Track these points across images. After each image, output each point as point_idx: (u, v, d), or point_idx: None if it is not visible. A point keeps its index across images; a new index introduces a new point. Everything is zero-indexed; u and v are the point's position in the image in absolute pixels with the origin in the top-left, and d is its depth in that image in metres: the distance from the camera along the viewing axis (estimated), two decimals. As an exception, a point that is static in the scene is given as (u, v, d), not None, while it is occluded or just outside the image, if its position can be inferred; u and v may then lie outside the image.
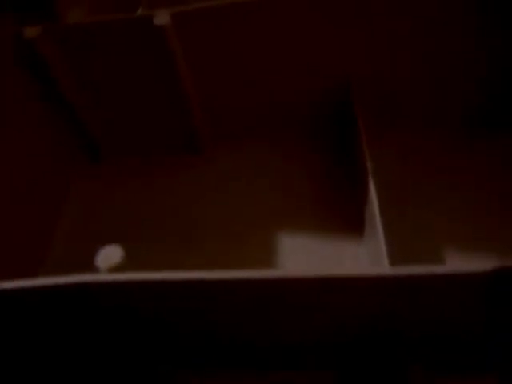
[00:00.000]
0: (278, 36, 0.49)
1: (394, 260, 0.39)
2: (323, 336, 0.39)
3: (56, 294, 0.34)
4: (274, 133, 0.59)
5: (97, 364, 0.42)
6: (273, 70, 0.52)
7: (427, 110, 0.55)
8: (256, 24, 0.48)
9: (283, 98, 0.55)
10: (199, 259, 0.49)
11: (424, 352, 0.40)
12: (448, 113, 0.55)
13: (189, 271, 0.32)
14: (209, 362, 0.43)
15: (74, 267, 0.37)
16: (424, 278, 0.32)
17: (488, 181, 0.51)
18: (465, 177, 0.52)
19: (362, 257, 0.48)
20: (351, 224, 0.51)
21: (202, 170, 0.59)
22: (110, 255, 0.36)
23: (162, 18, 0.47)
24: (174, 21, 0.47)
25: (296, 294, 0.34)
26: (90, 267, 0.43)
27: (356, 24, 0.48)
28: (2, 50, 0.50)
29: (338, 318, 0.37)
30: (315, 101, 0.55)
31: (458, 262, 0.46)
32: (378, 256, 0.41)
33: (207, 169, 0.59)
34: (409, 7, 0.46)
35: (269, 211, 0.54)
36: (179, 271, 0.32)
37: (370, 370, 0.42)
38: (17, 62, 0.51)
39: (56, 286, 0.33)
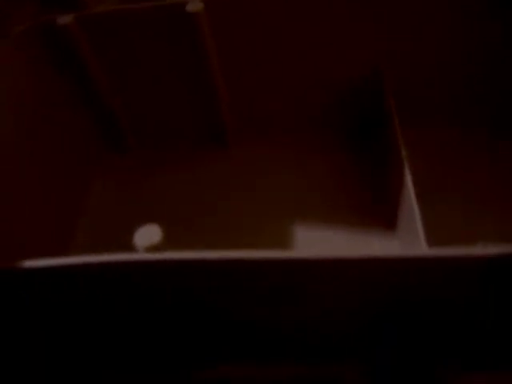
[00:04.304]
0: (310, 26, 0.49)
1: (431, 245, 0.38)
2: (350, 327, 0.39)
3: (91, 274, 0.34)
4: (301, 126, 0.59)
5: (132, 349, 0.42)
6: (303, 63, 0.52)
7: (461, 104, 0.55)
8: (289, 14, 0.48)
9: (312, 91, 0.55)
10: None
11: (450, 346, 0.40)
12: (482, 108, 0.55)
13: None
14: (236, 353, 0.43)
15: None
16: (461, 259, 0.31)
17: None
18: (497, 168, 0.52)
19: (394, 250, 0.48)
20: (381, 218, 0.51)
21: (228, 163, 0.59)
22: (148, 234, 0.35)
23: (194, 4, 0.47)
24: (207, 8, 0.47)
25: (324, 277, 0.34)
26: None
27: (388, 14, 0.48)
28: (31, 37, 0.50)
29: (366, 304, 0.36)
30: (344, 94, 0.55)
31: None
32: (414, 241, 0.40)
33: (233, 162, 0.59)
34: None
35: (295, 204, 0.54)
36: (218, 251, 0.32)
37: (395, 364, 0.42)
38: (45, 50, 0.51)
39: (93, 263, 0.33)
